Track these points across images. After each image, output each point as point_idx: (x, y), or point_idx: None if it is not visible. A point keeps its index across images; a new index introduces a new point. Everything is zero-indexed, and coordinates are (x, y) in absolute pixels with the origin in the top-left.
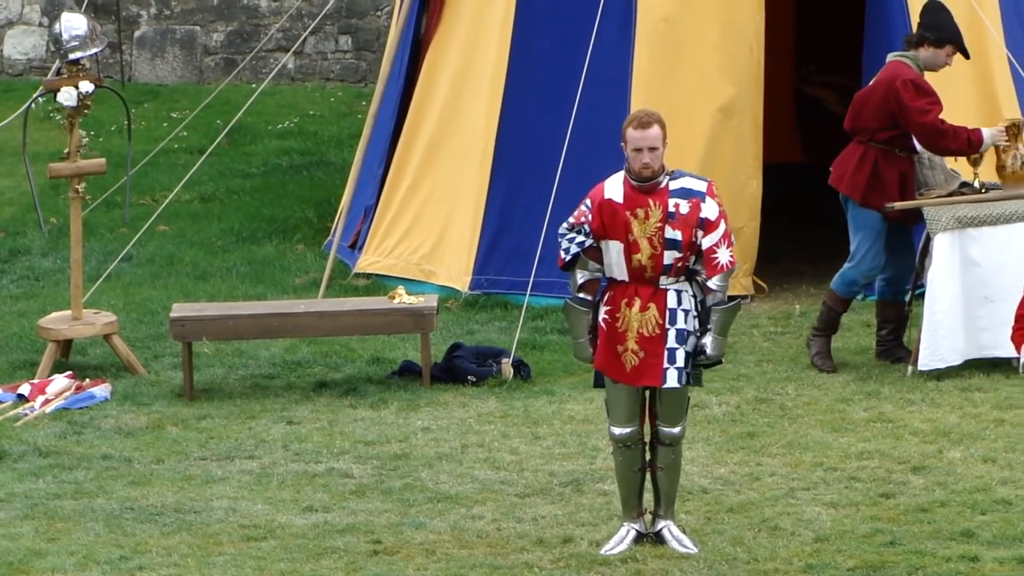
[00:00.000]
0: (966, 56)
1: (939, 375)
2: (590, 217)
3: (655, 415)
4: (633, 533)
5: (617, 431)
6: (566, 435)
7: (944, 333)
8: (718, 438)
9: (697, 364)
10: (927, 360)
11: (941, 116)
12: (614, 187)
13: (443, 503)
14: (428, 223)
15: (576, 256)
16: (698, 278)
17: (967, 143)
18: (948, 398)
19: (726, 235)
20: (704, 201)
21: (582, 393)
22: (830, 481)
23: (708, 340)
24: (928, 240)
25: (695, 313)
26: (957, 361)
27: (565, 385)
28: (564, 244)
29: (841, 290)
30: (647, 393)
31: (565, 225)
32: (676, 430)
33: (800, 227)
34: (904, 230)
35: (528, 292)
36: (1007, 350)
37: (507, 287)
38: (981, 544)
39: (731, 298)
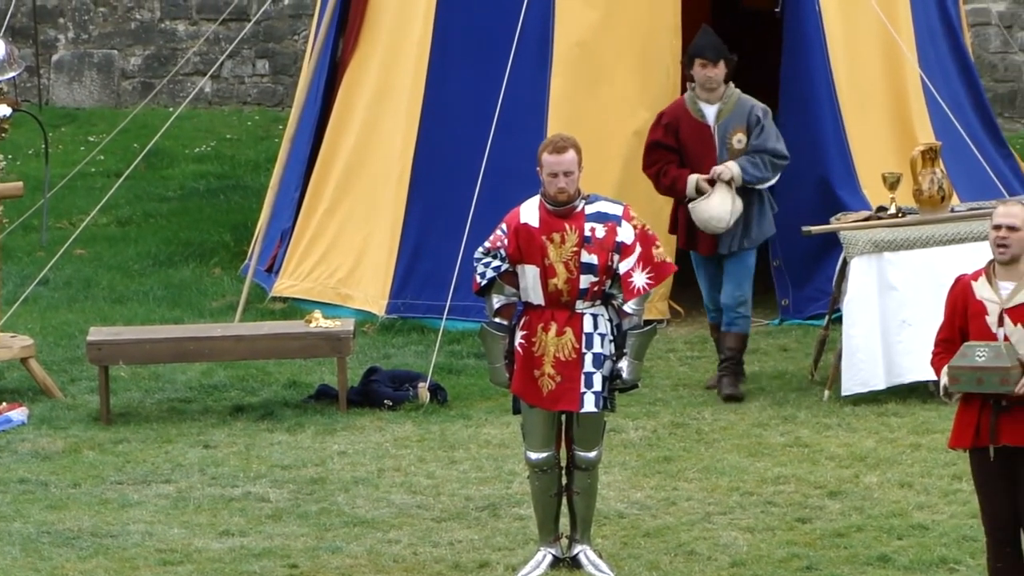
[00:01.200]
0: (707, 59)
1: (856, 400)
2: (506, 242)
3: (571, 440)
4: (549, 558)
5: (533, 456)
6: (483, 459)
7: (863, 357)
8: (634, 463)
9: (613, 388)
10: (849, 385)
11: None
12: (530, 211)
13: (359, 527)
14: (345, 247)
15: (492, 281)
16: (614, 302)
17: (667, 190)
18: (865, 423)
19: (641, 258)
20: (620, 225)
21: (499, 417)
22: (746, 506)
23: (624, 364)
24: (845, 264)
25: (611, 337)
26: (879, 386)
27: (482, 409)
28: (480, 268)
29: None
30: (563, 418)
31: (481, 250)
32: (592, 455)
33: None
34: (710, 261)
35: (444, 316)
36: (927, 373)
37: (424, 311)
38: (897, 569)
39: (647, 322)
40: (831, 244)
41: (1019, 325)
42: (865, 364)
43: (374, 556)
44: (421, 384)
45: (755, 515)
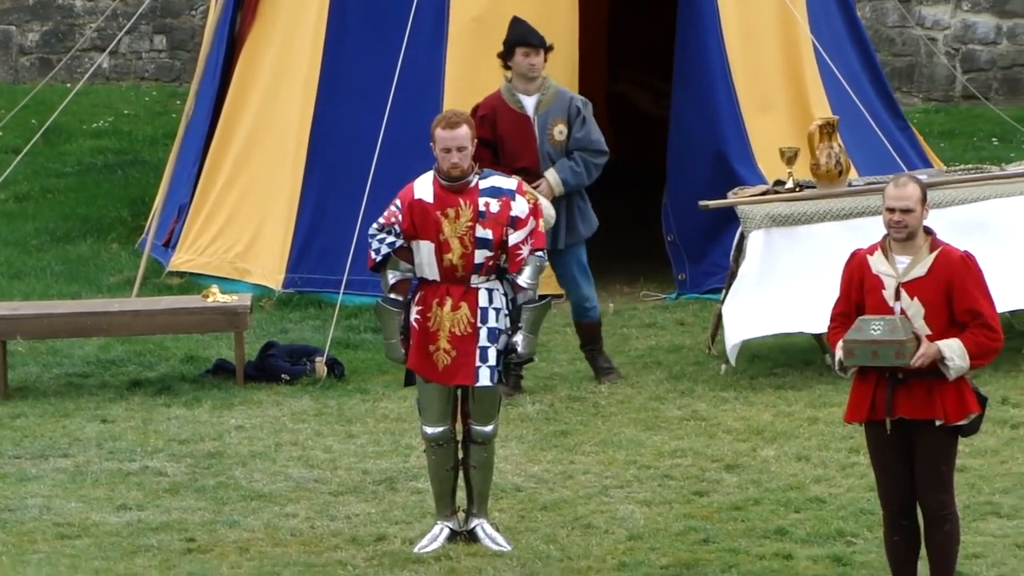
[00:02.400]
0: (531, 46)
1: (753, 373)
2: (400, 217)
3: (467, 414)
4: (447, 531)
5: (429, 430)
6: (380, 433)
7: (746, 308)
8: (531, 436)
9: (509, 363)
10: (732, 335)
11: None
12: (424, 187)
13: (257, 501)
14: (242, 221)
15: (387, 257)
16: (508, 276)
17: None
18: (762, 396)
19: (533, 233)
20: (514, 199)
21: (396, 391)
22: (643, 479)
23: (519, 338)
24: (742, 238)
25: (506, 312)
26: (758, 334)
27: (379, 383)
28: (374, 245)
29: None
30: (459, 392)
31: (375, 226)
32: (488, 428)
33: (612, 226)
34: (557, 261)
35: (341, 291)
36: (813, 328)
37: (320, 285)
38: (795, 542)
39: (542, 297)
40: (728, 219)
41: (915, 299)
42: (748, 315)
43: (271, 530)
44: (318, 358)
45: (652, 488)
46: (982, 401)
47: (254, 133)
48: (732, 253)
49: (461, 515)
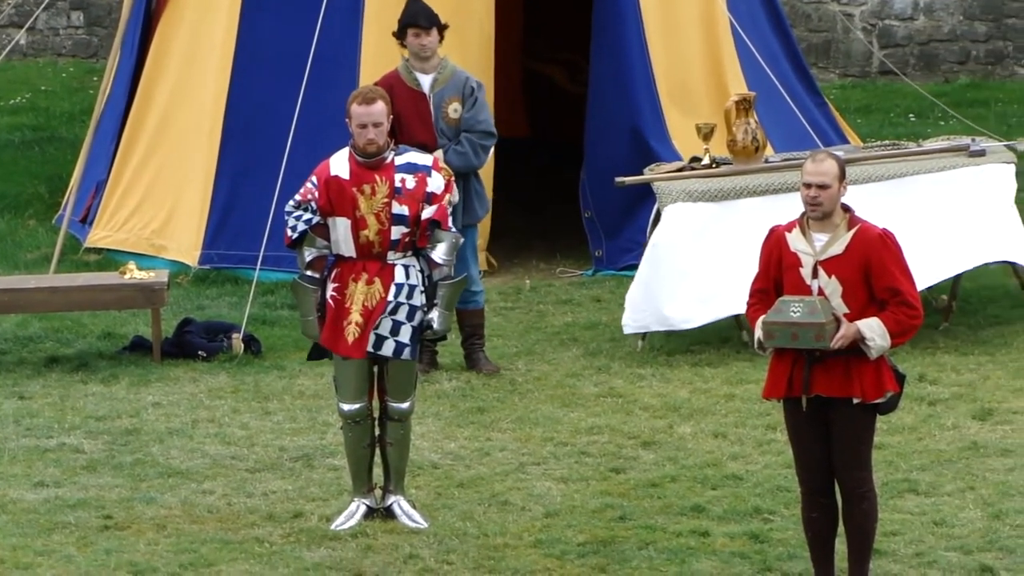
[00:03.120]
0: (420, 27)
1: (670, 350)
2: (316, 194)
3: (384, 390)
4: (363, 508)
5: (346, 407)
6: (296, 410)
7: (650, 298)
8: (448, 413)
9: (424, 340)
10: (629, 323)
11: None
12: (340, 164)
13: (174, 478)
14: (159, 198)
15: (303, 234)
16: (424, 252)
17: None
18: (679, 373)
19: (440, 208)
20: (430, 175)
21: (313, 368)
22: (560, 456)
23: (435, 315)
24: (659, 215)
25: (422, 288)
26: (659, 328)
27: (296, 360)
28: (291, 222)
29: None
30: (375, 369)
31: (292, 203)
32: (405, 405)
33: (529, 202)
34: None
35: (258, 267)
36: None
37: (237, 262)
38: (711, 519)
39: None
40: (644, 195)
41: (833, 277)
42: (651, 305)
43: (188, 507)
44: (235, 335)
45: (569, 465)
46: (900, 379)
47: (170, 109)
48: (648, 229)
49: (378, 492)
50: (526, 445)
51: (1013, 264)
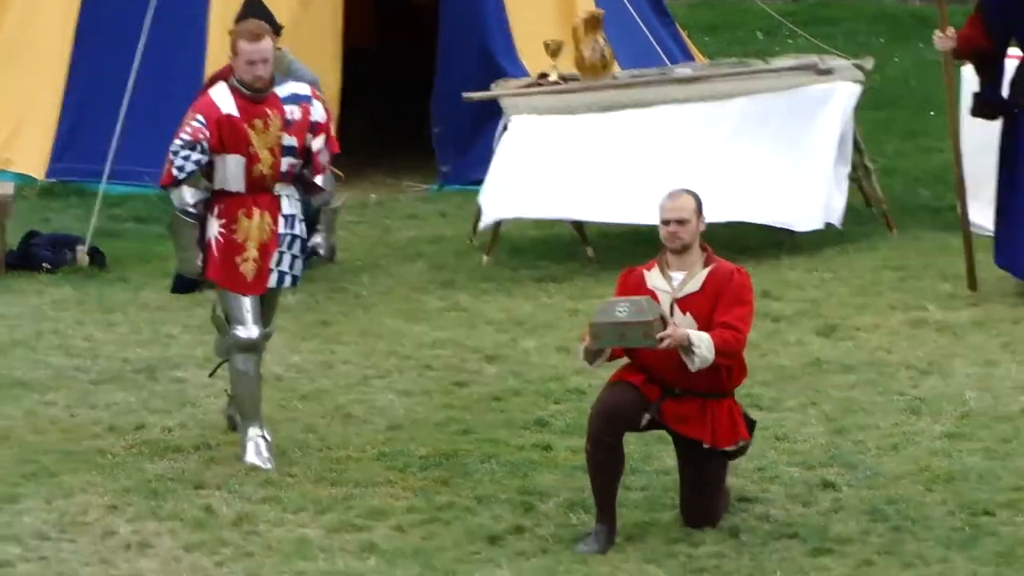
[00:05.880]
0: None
1: (514, 265)
2: (207, 133)
3: None
4: (264, 440)
5: (244, 334)
6: (140, 322)
7: (505, 192)
8: (292, 326)
9: (311, 265)
10: (488, 213)
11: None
12: (225, 100)
13: (17, 389)
14: (5, 111)
15: (191, 174)
16: (306, 178)
17: None
18: (523, 288)
19: (329, 138)
20: (312, 104)
21: (157, 281)
22: (404, 369)
23: (320, 239)
24: (506, 130)
25: (301, 217)
26: (514, 215)
27: (140, 273)
28: (178, 161)
29: None
30: None
31: (179, 142)
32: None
33: (376, 115)
34: None
35: (104, 180)
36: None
37: (83, 175)
38: (554, 433)
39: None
40: (492, 112)
41: (688, 314)
42: (506, 192)
43: (31, 418)
44: (80, 248)
45: (412, 379)
46: (751, 427)
47: (20, 25)
48: (495, 143)
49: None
50: (370, 359)
51: (859, 183)
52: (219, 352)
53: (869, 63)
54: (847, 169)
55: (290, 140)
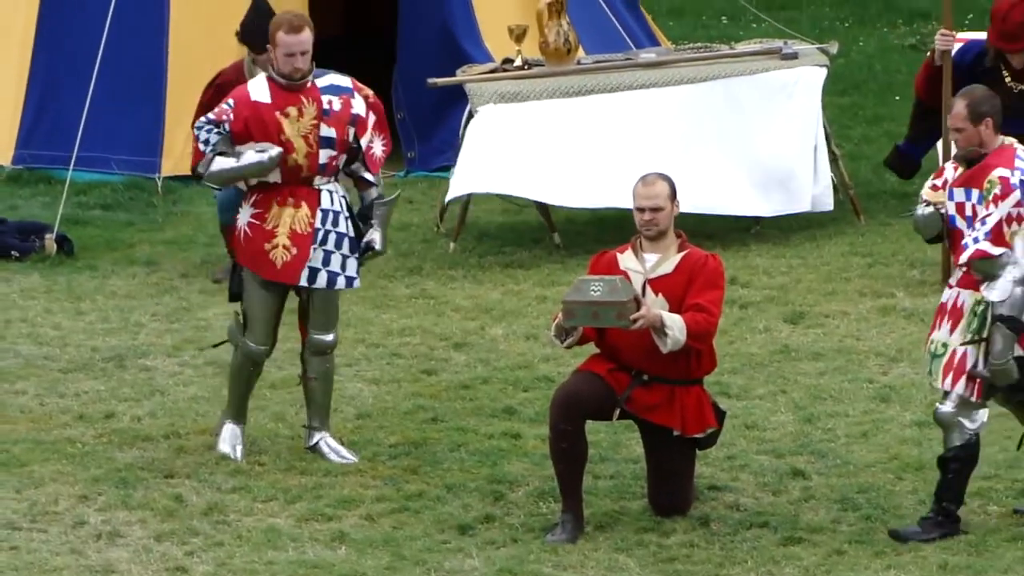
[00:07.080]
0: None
1: (482, 252)
2: (231, 115)
3: (307, 323)
4: (240, 433)
5: (253, 346)
6: (109, 310)
7: (473, 168)
8: None
9: (365, 260)
10: (456, 188)
11: None
12: (259, 89)
13: None
14: None
15: (215, 145)
16: (356, 173)
17: None
18: (491, 275)
19: (376, 127)
20: (353, 97)
21: (125, 268)
22: (372, 358)
23: (376, 235)
24: (471, 116)
25: (347, 215)
26: (481, 189)
27: (108, 260)
28: (203, 136)
29: None
30: (301, 300)
31: (203, 119)
32: (330, 337)
33: None
34: None
35: (71, 167)
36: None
37: (50, 162)
38: (523, 421)
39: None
40: (457, 97)
41: (660, 295)
42: (470, 173)
43: (0, 407)
44: (48, 235)
45: (381, 367)
46: (720, 416)
47: None
48: (461, 131)
49: (304, 432)
50: (338, 347)
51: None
52: (232, 337)
53: (834, 47)
54: (825, 152)
55: (328, 131)
